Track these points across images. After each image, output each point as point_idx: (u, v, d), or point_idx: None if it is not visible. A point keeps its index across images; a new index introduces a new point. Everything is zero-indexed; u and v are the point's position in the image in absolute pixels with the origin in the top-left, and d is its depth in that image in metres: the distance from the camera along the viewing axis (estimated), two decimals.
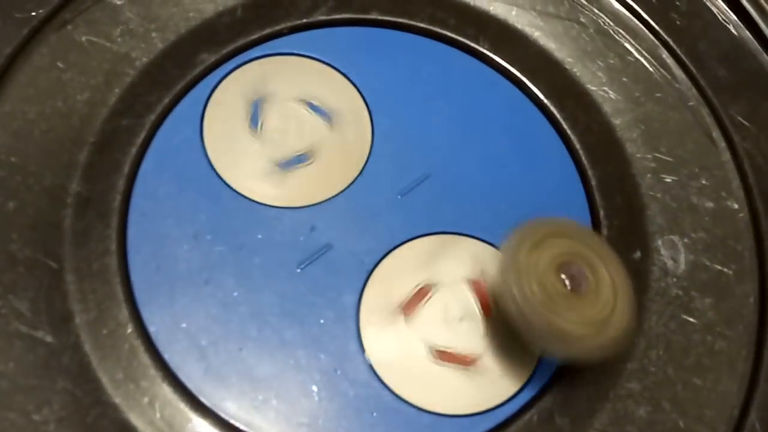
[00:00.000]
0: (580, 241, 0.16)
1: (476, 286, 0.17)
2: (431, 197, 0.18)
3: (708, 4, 0.19)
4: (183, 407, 0.15)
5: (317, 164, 0.18)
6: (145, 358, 0.16)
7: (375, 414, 0.16)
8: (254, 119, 0.18)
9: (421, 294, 0.17)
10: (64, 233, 0.17)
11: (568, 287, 0.15)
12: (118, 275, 0.16)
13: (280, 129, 0.19)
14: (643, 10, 0.20)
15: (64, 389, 0.15)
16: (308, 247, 0.17)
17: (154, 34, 0.19)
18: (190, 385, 0.16)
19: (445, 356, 0.17)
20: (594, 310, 0.15)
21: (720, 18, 0.19)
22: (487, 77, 0.20)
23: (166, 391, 0.16)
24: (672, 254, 0.17)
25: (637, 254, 0.17)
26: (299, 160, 0.18)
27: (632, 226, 0.18)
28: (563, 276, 0.15)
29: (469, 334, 0.17)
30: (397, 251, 0.18)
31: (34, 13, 0.18)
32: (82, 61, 0.18)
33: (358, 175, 0.19)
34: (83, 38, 0.19)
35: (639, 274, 0.17)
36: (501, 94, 0.20)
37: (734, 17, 0.19)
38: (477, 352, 0.17)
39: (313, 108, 0.19)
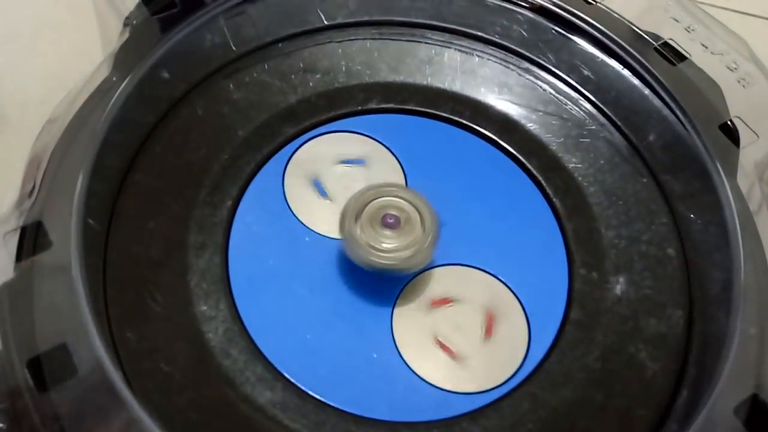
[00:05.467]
0: (400, 197, 0.24)
1: (488, 316, 0.23)
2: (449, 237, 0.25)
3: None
4: (262, 370, 0.22)
5: None
6: (239, 337, 0.22)
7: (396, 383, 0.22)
8: (319, 188, 0.26)
9: (446, 300, 0.24)
10: (188, 247, 0.23)
11: (384, 227, 0.23)
12: (222, 278, 0.23)
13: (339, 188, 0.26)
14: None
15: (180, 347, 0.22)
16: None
17: (252, 112, 0.26)
18: (269, 355, 0.22)
19: (441, 345, 0.23)
20: (403, 241, 0.23)
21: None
22: (490, 153, 0.27)
23: (252, 357, 0.22)
24: (621, 284, 0.24)
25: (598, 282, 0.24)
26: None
27: (597, 266, 0.24)
28: (382, 221, 0.23)
29: (467, 341, 0.23)
30: (425, 273, 0.24)
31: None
32: (202, 127, 0.26)
33: None
34: (200, 112, 0.26)
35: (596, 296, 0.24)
36: (501, 167, 0.27)
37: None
38: (466, 354, 0.23)
39: (349, 162, 0.26)
